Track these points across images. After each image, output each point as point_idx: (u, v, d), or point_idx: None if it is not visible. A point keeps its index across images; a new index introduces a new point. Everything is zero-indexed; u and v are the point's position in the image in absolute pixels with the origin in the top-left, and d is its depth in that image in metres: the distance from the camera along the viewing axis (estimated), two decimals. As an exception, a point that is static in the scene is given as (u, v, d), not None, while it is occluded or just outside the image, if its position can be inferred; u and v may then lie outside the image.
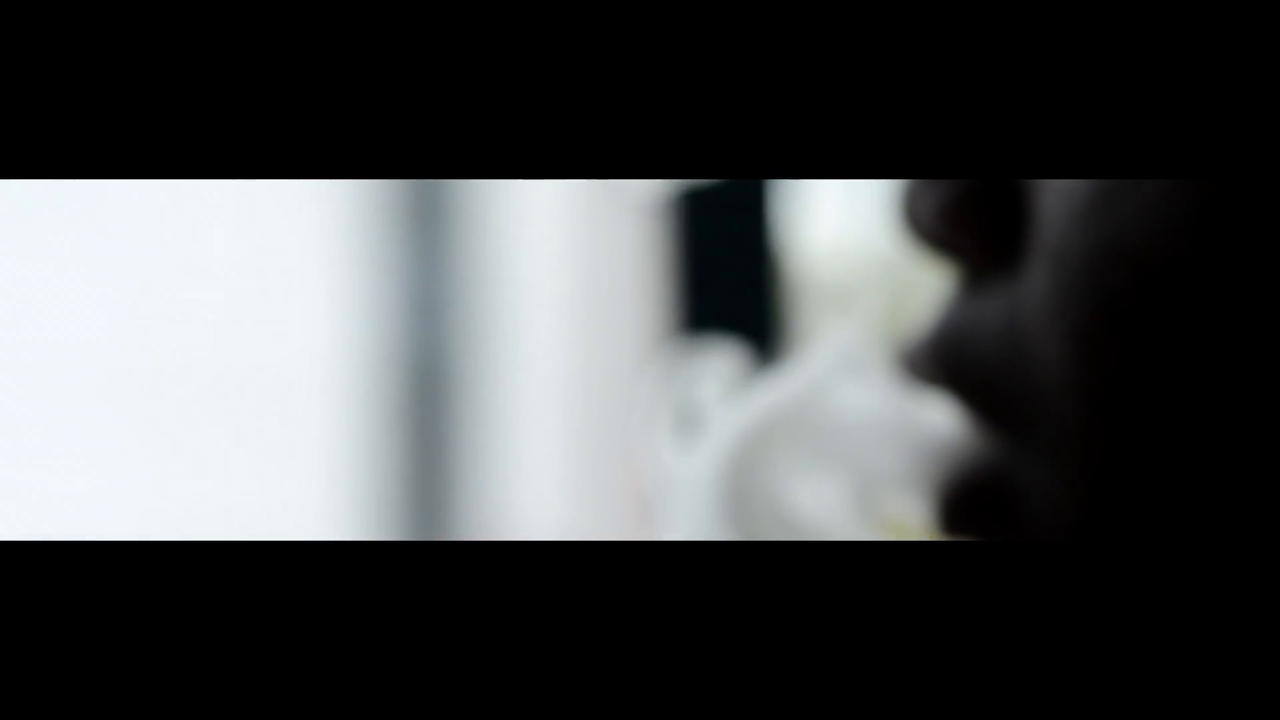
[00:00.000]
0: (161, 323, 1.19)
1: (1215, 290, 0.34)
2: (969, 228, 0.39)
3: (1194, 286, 0.34)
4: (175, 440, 1.20)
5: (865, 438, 0.42)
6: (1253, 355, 0.34)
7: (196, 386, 1.20)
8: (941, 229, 0.39)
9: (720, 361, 0.46)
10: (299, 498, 1.22)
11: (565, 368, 1.26)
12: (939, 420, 0.41)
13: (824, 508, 0.42)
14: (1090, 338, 0.36)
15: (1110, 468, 0.36)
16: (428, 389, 1.22)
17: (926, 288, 0.43)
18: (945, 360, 0.39)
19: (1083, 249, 0.36)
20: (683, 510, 0.43)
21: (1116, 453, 0.36)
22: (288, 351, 1.21)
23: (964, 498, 0.39)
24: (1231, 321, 0.34)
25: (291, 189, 1.19)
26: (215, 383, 1.20)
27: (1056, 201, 0.36)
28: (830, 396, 0.43)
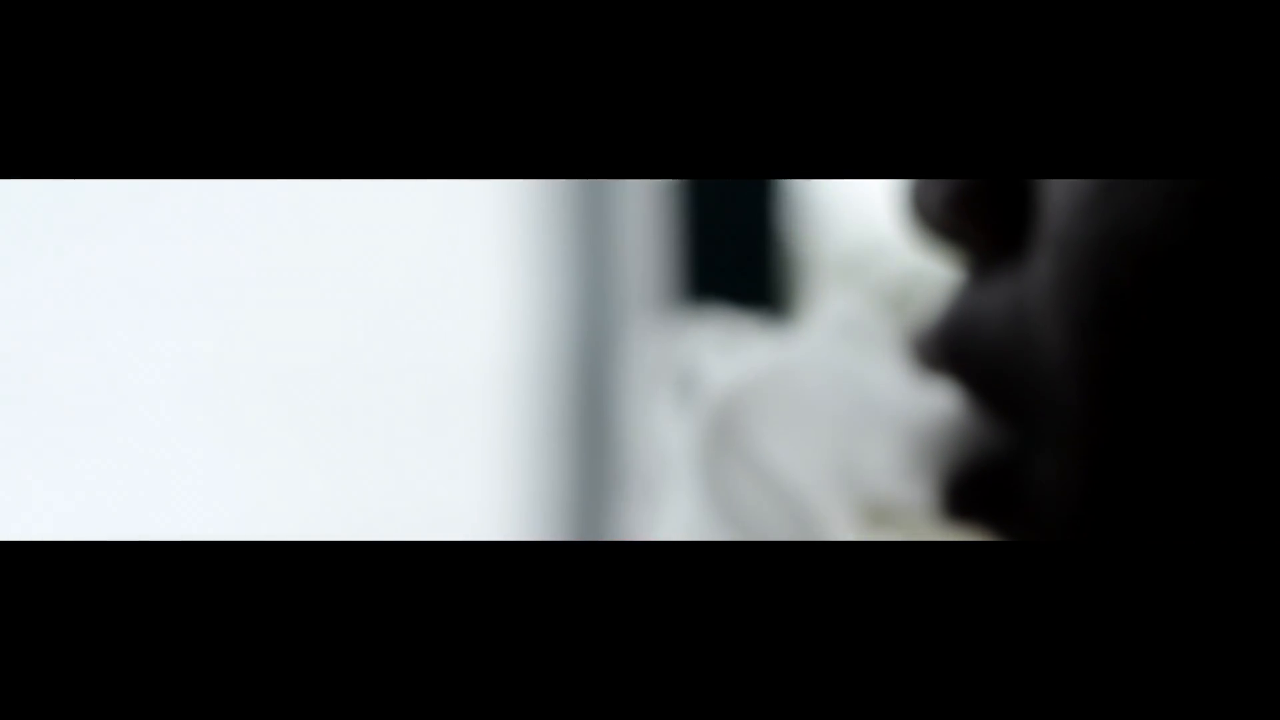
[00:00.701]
0: (326, 322, 1.19)
1: (1216, 279, 0.34)
2: (976, 217, 0.39)
3: (1195, 276, 0.35)
4: (342, 438, 1.19)
5: (852, 407, 0.42)
6: (1253, 344, 0.35)
7: (363, 385, 1.20)
8: (949, 218, 0.40)
9: (722, 333, 0.46)
10: (466, 496, 1.21)
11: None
12: (935, 401, 0.41)
13: (803, 474, 0.42)
14: (1092, 326, 0.36)
15: (1112, 456, 0.36)
16: (594, 387, 1.21)
17: (930, 264, 0.43)
18: (951, 348, 0.39)
19: (1085, 238, 0.36)
20: (672, 476, 0.43)
21: (1118, 441, 0.36)
22: (454, 350, 1.21)
23: (967, 484, 0.40)
24: (1232, 310, 0.35)
25: (458, 189, 1.19)
26: (380, 381, 1.20)
27: (1061, 191, 0.37)
28: (822, 364, 0.43)
